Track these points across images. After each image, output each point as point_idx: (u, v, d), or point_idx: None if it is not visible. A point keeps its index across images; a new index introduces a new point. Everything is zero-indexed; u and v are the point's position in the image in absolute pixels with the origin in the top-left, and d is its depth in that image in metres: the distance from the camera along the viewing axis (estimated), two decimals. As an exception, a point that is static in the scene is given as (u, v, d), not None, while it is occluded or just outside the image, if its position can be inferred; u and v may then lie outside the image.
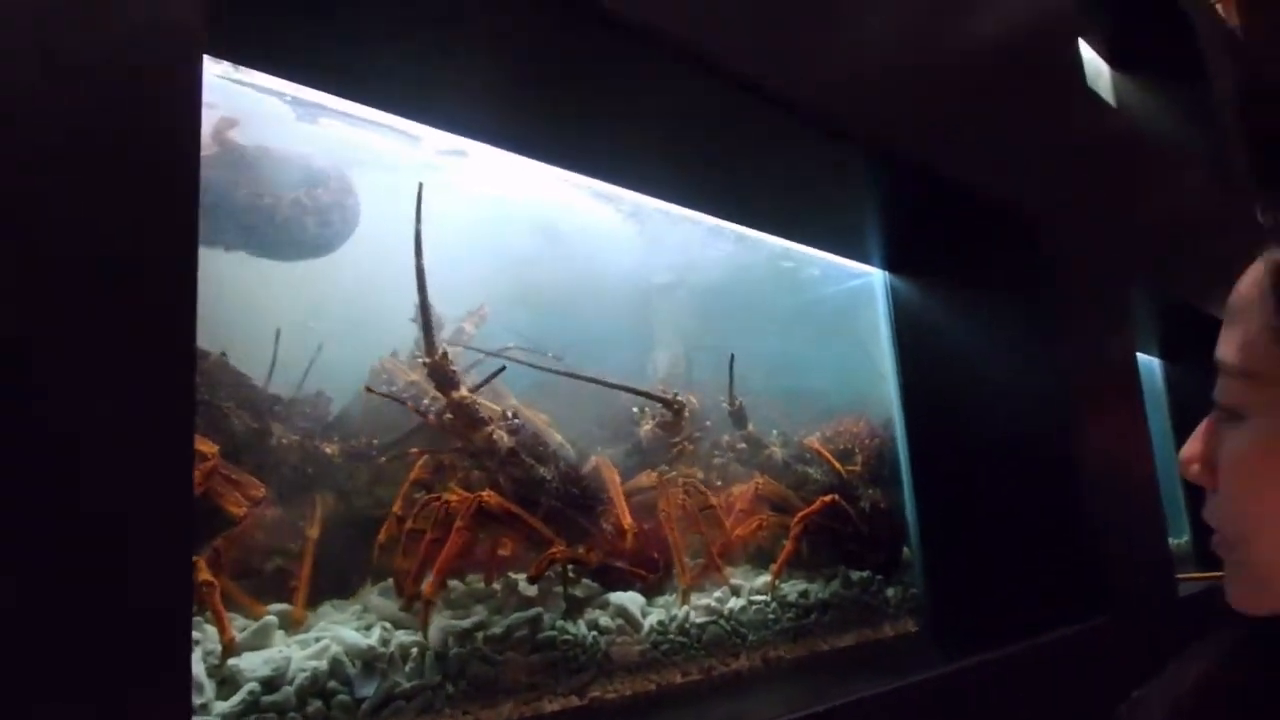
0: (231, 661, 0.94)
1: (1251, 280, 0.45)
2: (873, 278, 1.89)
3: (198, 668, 0.92)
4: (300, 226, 1.10)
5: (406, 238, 1.02)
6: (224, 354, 1.03)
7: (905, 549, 1.77)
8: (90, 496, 0.55)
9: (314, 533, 1.08)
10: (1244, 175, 3.11)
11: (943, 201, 1.65)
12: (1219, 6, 3.59)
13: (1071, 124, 2.09)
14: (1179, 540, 2.87)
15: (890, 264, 1.88)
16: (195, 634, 0.94)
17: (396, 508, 1.14)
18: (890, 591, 1.71)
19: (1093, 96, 2.27)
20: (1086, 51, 2.72)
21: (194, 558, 0.95)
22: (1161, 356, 3.03)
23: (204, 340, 1.00)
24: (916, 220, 1.73)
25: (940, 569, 1.84)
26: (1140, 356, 2.82)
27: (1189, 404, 2.97)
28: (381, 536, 1.16)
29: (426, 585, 1.05)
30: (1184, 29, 3.01)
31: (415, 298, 1.05)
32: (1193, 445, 0.48)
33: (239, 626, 1.01)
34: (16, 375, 0.53)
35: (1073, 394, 1.76)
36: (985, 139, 1.69)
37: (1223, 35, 3.34)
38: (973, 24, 1.73)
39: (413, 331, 1.22)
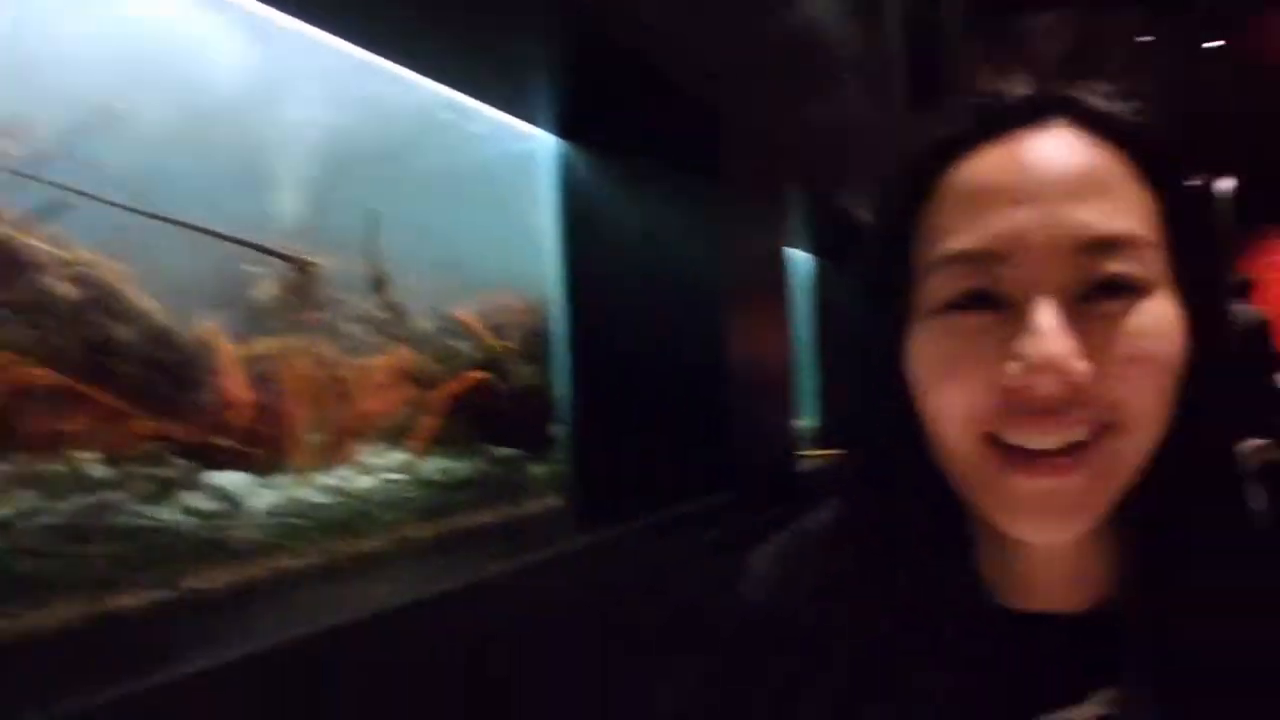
0: None
1: (1109, 154, 0.43)
2: (544, 143, 1.84)
3: None
4: None
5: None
6: None
7: (555, 427, 1.81)
8: None
9: None
10: (904, 92, 3.45)
11: (623, 72, 1.63)
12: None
13: (762, 16, 2.15)
14: (807, 422, 3.26)
15: (563, 130, 1.84)
16: None
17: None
18: (537, 469, 1.75)
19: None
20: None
21: None
22: (814, 253, 3.35)
23: None
24: (595, 87, 1.69)
25: (591, 447, 1.91)
26: (794, 252, 3.10)
27: (833, 298, 3.34)
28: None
29: None
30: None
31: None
32: (1067, 340, 0.40)
33: None
34: None
35: (728, 282, 1.87)
36: (673, 16, 1.67)
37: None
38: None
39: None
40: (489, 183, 1.68)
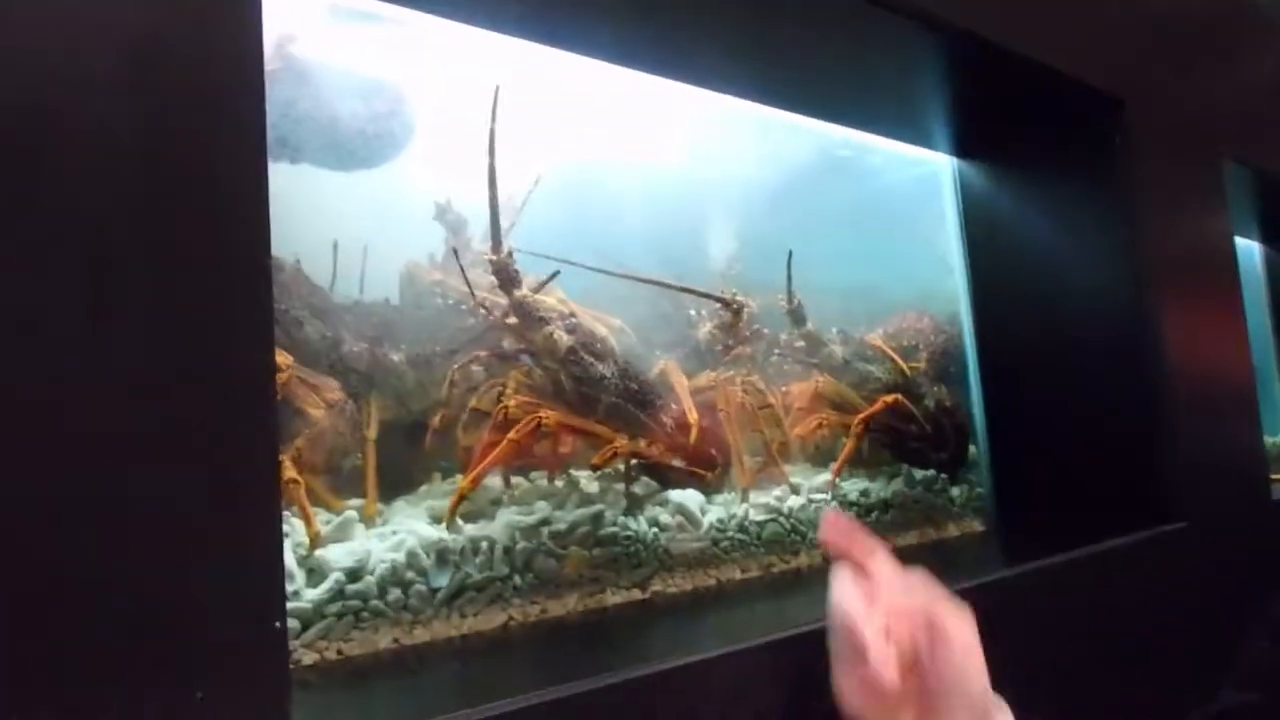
0: (318, 553, 1.10)
1: None
2: (938, 165, 1.96)
3: (289, 558, 1.07)
4: (357, 137, 1.20)
5: (466, 144, 1.11)
6: (298, 262, 1.17)
7: (971, 447, 1.87)
8: (184, 402, 0.65)
9: (371, 434, 1.23)
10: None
11: (1013, 79, 1.69)
12: None
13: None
14: (1276, 439, 2.90)
15: (958, 149, 1.94)
16: (285, 528, 1.08)
17: (479, 403, 1.29)
18: (955, 491, 1.82)
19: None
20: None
21: (280, 457, 1.08)
22: (1262, 240, 3.01)
23: (277, 250, 1.11)
24: (985, 101, 1.77)
25: (1009, 468, 1.94)
26: (1237, 240, 2.80)
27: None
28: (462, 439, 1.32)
29: (464, 482, 1.20)
30: None
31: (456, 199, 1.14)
32: None
33: (323, 521, 1.16)
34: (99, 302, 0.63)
35: (1155, 282, 1.81)
36: (1058, 8, 1.70)
37: None
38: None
39: (439, 234, 1.36)
40: (890, 209, 1.83)
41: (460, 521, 1.20)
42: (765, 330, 1.62)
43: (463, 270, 1.22)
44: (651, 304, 1.45)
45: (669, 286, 1.43)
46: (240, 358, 0.68)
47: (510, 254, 1.23)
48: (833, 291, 1.68)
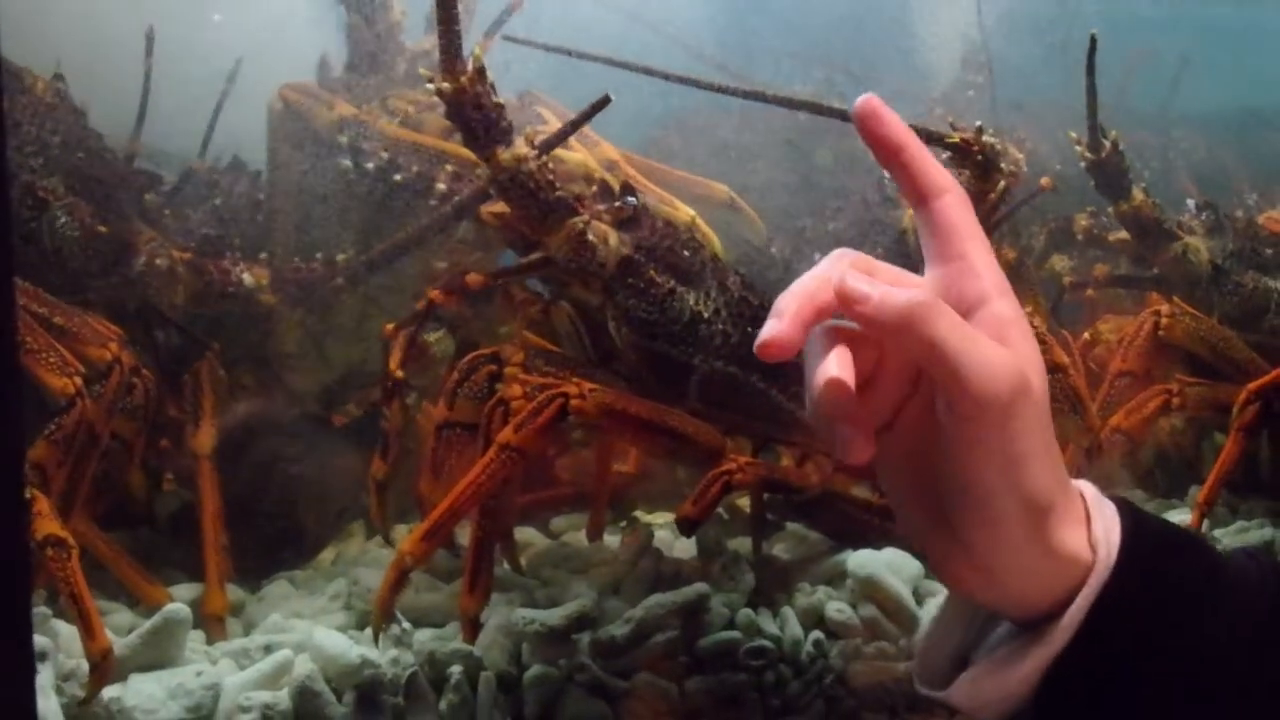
0: (109, 693, 1.01)
1: None
2: None
3: (48, 704, 0.98)
4: None
5: None
6: (59, 79, 1.09)
7: None
8: None
9: (205, 443, 1.15)
10: None
11: None
12: None
13: None
14: None
15: None
16: (40, 641, 1.01)
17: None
18: None
19: None
20: None
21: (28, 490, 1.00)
22: None
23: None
24: None
25: None
26: None
27: None
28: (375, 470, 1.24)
29: (406, 540, 1.11)
30: None
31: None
32: None
33: (121, 625, 1.09)
34: None
35: None
36: None
37: None
38: None
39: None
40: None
41: (405, 624, 1.11)
42: (1044, 206, 1.48)
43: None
44: (798, 161, 1.32)
45: (835, 115, 1.29)
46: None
47: (483, 73, 1.10)
48: (1190, 124, 1.51)
